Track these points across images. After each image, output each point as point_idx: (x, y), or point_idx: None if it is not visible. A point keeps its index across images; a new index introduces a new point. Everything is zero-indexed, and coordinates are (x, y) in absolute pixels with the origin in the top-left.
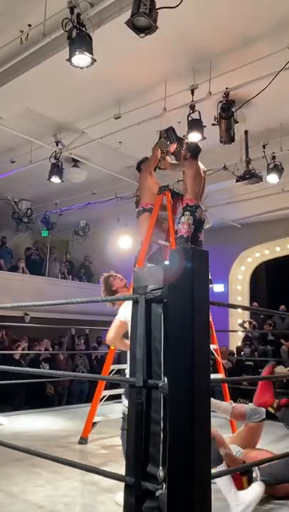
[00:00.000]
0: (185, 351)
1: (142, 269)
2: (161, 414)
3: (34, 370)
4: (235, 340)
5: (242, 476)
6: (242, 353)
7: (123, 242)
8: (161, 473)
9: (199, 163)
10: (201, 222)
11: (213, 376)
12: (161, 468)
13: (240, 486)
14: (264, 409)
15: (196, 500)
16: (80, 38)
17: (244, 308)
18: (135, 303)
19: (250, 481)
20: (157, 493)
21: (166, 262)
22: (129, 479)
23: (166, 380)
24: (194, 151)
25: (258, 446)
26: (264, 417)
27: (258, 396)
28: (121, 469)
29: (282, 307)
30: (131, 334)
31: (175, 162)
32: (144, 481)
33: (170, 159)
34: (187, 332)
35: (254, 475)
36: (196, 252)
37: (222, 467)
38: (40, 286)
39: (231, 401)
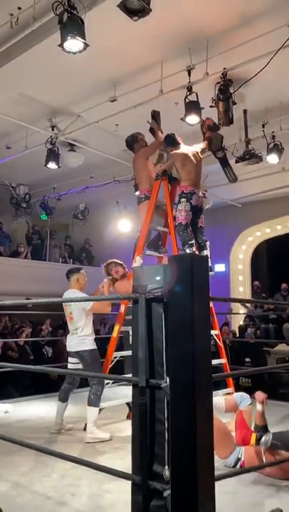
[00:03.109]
0: (186, 351)
1: (141, 268)
2: (166, 414)
3: (41, 368)
4: (238, 318)
5: (252, 433)
6: (245, 333)
7: (122, 225)
8: (167, 472)
9: (187, 147)
10: (198, 208)
11: (214, 362)
12: (167, 467)
13: (247, 441)
14: (248, 395)
15: (200, 500)
16: (71, 23)
17: (244, 301)
18: (135, 302)
19: (258, 440)
20: (165, 494)
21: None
22: (137, 478)
23: (168, 380)
24: (167, 141)
25: None
26: (251, 401)
27: (239, 435)
28: (128, 456)
29: (284, 285)
30: (132, 334)
31: (165, 163)
32: (152, 481)
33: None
34: (188, 331)
35: (264, 437)
36: (195, 260)
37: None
38: (41, 271)
39: (223, 395)
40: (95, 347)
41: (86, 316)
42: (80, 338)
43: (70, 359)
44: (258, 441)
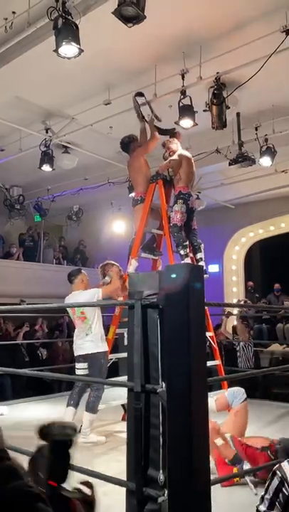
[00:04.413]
0: (181, 356)
1: (137, 275)
2: (160, 419)
3: (36, 372)
4: (231, 319)
5: (233, 467)
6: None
7: (117, 226)
8: (161, 476)
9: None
10: (192, 210)
11: (209, 363)
12: (161, 471)
13: (231, 480)
14: (243, 389)
15: (197, 504)
16: (66, 28)
17: (239, 306)
18: (131, 308)
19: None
20: (159, 500)
21: (161, 271)
22: (131, 485)
23: (164, 385)
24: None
25: (254, 429)
26: (245, 396)
27: (255, 460)
28: (124, 457)
29: (277, 285)
30: (128, 339)
31: (171, 160)
32: (146, 487)
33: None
34: (183, 337)
35: (245, 467)
36: (191, 269)
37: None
38: (35, 272)
39: (213, 396)
40: (107, 349)
41: (98, 310)
42: (94, 338)
43: (78, 365)
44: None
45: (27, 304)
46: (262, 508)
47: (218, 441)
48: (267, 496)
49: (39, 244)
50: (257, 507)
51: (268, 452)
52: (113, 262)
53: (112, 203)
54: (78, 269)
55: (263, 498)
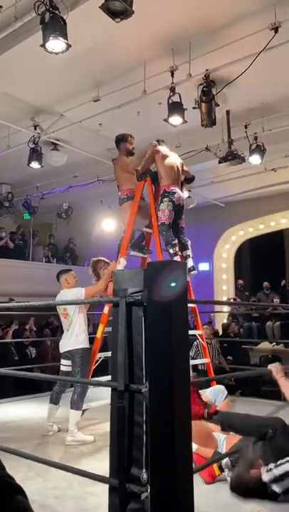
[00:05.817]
0: (163, 354)
1: (122, 272)
2: (144, 417)
3: (18, 372)
4: (221, 316)
5: (213, 465)
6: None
7: (107, 224)
8: (144, 475)
9: (166, 148)
10: (180, 207)
11: (198, 361)
12: (144, 470)
13: (212, 474)
14: (223, 387)
15: (179, 501)
16: (53, 22)
17: (227, 303)
18: (116, 305)
19: (220, 467)
20: (142, 496)
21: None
22: (114, 481)
23: (148, 384)
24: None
25: None
26: (226, 393)
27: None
28: None
29: (266, 283)
30: (112, 337)
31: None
32: (129, 483)
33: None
34: (165, 335)
35: (224, 461)
36: (173, 265)
37: None
38: (24, 270)
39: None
40: (88, 346)
41: (80, 307)
42: (75, 335)
43: (62, 361)
44: (220, 468)
45: (16, 302)
46: None
47: (194, 447)
48: None
49: (28, 243)
50: None
51: (206, 411)
52: (106, 260)
53: (101, 201)
54: (65, 270)
55: None
